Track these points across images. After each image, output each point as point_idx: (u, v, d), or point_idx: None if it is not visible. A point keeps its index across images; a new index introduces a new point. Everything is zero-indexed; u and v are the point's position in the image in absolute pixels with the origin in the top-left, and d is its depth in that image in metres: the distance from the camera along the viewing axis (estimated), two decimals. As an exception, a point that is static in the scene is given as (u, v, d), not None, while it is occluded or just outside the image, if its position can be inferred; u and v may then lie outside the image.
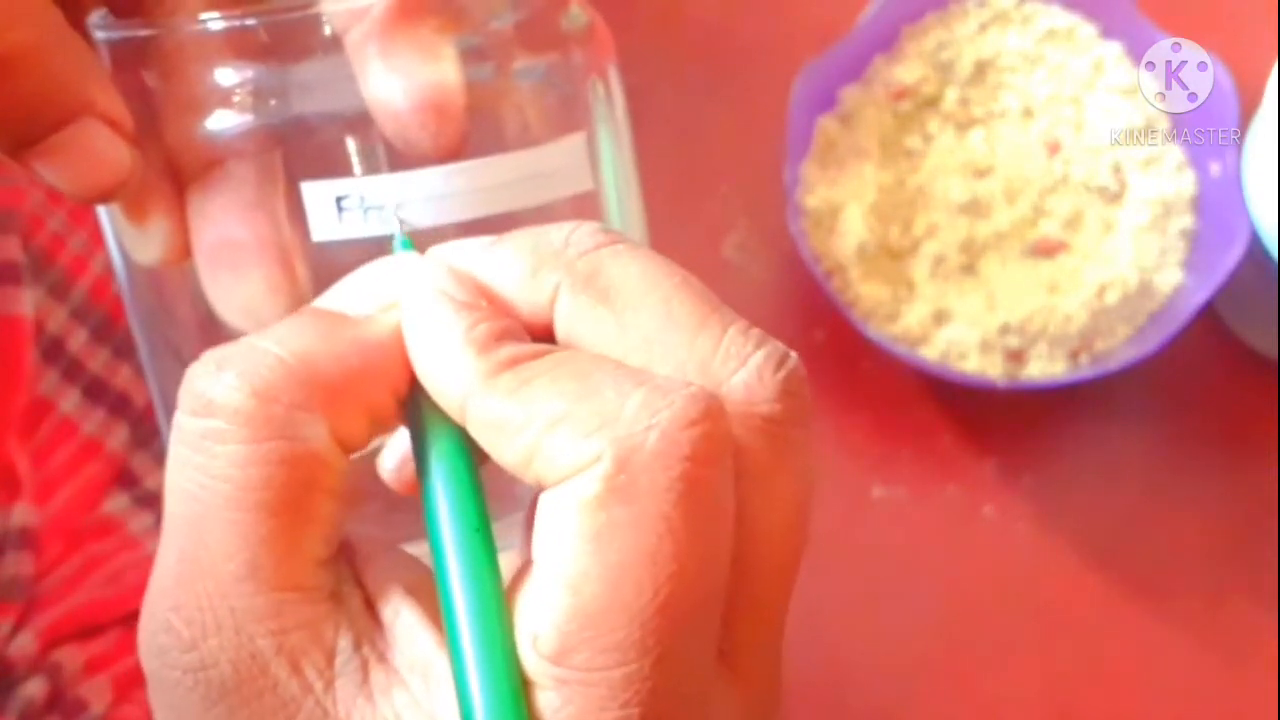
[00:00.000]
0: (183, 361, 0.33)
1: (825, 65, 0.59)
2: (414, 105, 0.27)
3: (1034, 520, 0.59)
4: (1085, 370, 0.57)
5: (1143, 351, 0.56)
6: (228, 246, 0.29)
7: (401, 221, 0.28)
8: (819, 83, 0.59)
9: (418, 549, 0.28)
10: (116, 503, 0.46)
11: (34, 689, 0.42)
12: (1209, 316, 0.60)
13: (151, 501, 0.47)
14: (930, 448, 0.60)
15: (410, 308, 0.25)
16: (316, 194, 0.28)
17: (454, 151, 0.28)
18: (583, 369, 0.23)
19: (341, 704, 0.24)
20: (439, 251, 0.26)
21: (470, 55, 0.29)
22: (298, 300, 0.29)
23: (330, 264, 0.28)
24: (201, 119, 0.29)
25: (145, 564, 0.46)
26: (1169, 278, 0.58)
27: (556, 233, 0.25)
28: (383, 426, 0.26)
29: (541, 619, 0.23)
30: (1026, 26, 0.61)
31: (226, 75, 0.29)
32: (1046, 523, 0.59)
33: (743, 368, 0.24)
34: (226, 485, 0.24)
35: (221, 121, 0.29)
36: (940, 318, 0.57)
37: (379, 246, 0.28)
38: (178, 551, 0.24)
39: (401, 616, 0.25)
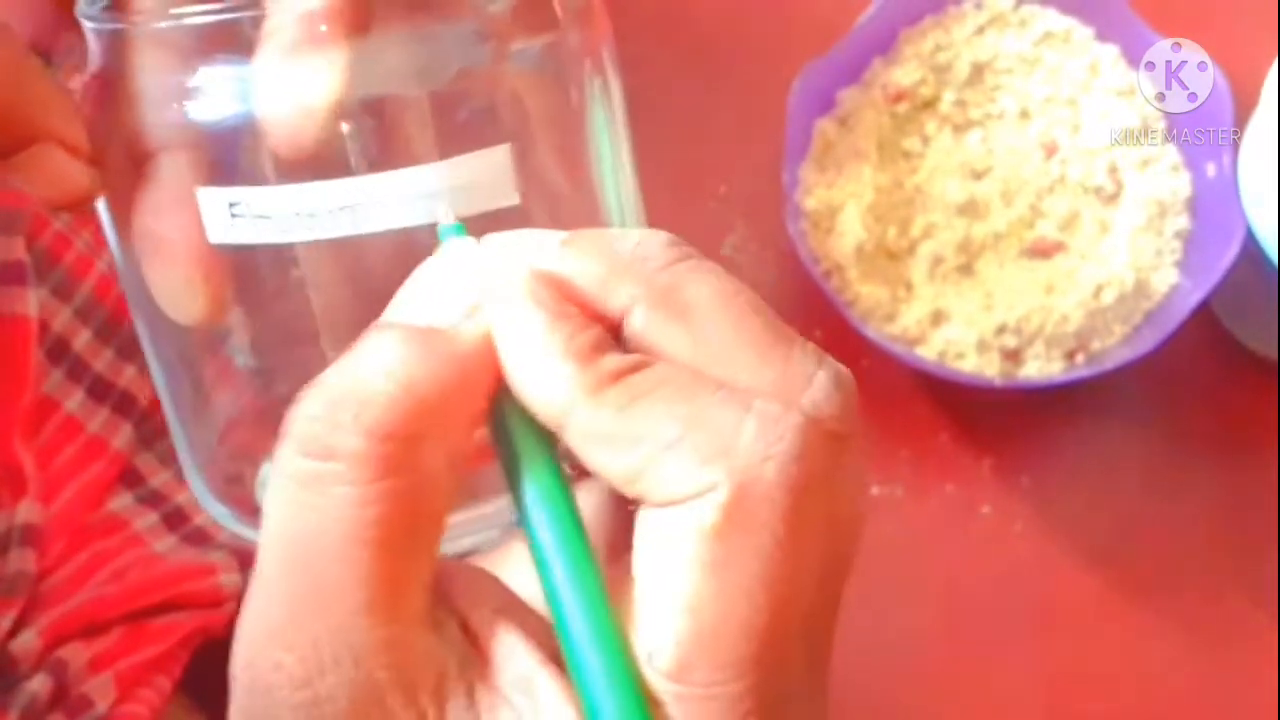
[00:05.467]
0: (186, 359, 0.33)
1: (824, 67, 0.59)
2: (280, 107, 0.27)
3: (1031, 519, 0.60)
4: (1082, 370, 0.57)
5: (1139, 351, 0.56)
6: (153, 238, 0.30)
7: (446, 208, 0.28)
8: (817, 85, 0.59)
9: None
10: (121, 501, 0.47)
11: (38, 686, 0.42)
12: (1205, 316, 0.60)
13: (155, 500, 0.47)
14: (928, 447, 0.60)
15: (503, 317, 0.25)
16: (211, 200, 0.28)
17: (312, 159, 0.28)
18: (689, 388, 0.24)
19: None
20: (502, 243, 0.26)
21: (468, 40, 0.29)
22: (216, 297, 0.30)
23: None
24: (142, 112, 0.30)
25: (149, 562, 0.46)
26: (1165, 278, 0.58)
27: (626, 241, 0.26)
28: (479, 428, 0.26)
29: (659, 639, 0.24)
30: (1023, 29, 0.61)
31: (171, 72, 0.29)
32: (1044, 522, 0.60)
33: (810, 387, 0.25)
34: (345, 525, 0.24)
35: (159, 116, 0.29)
36: (938, 318, 0.58)
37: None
38: (287, 590, 0.24)
39: (499, 637, 0.25)
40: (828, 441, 0.25)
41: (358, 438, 0.24)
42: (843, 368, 0.26)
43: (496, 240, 0.26)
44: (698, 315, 0.25)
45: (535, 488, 0.25)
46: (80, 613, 0.44)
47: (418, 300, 0.26)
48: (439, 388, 0.24)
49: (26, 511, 0.42)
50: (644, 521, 0.24)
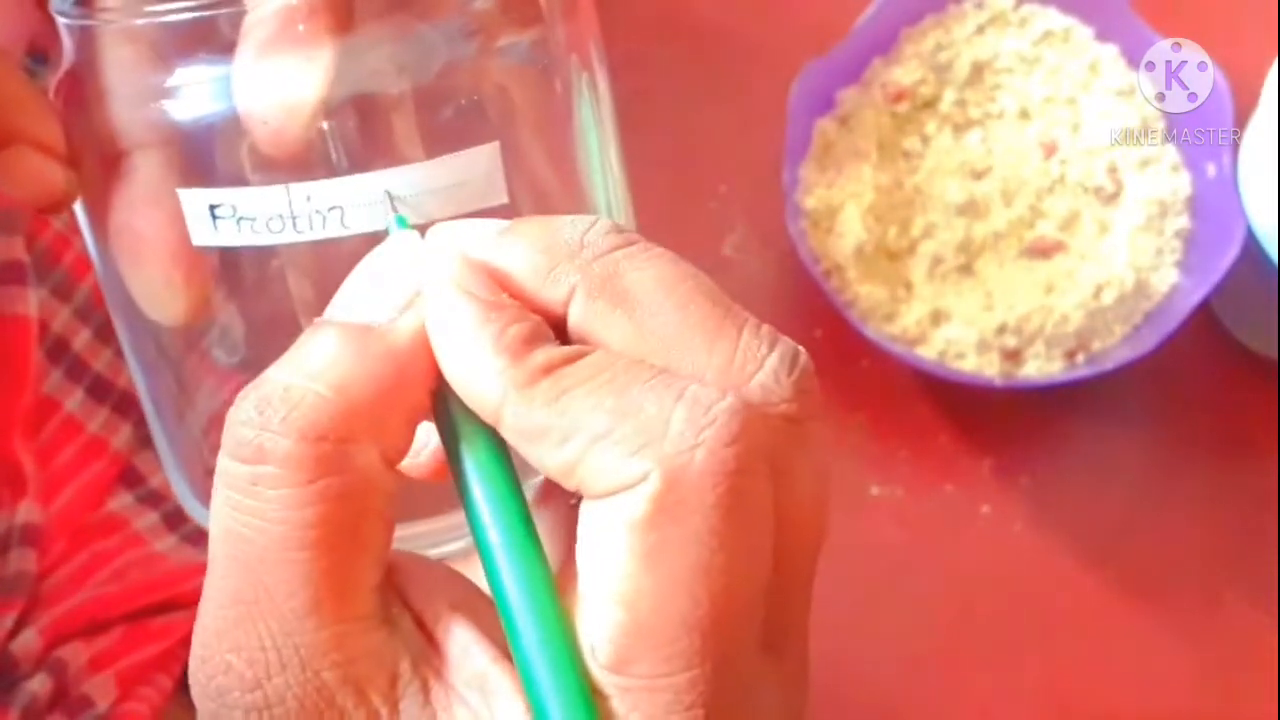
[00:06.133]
0: (166, 356, 0.33)
1: (824, 67, 0.59)
2: (263, 106, 0.27)
3: (1031, 520, 0.60)
4: (1082, 370, 0.57)
5: (1139, 351, 0.56)
6: (131, 237, 0.29)
7: (393, 201, 0.27)
8: (818, 84, 0.59)
9: (408, 529, 0.28)
10: (120, 501, 0.47)
11: (38, 685, 0.42)
12: (1205, 316, 0.60)
13: (155, 500, 0.47)
14: (928, 447, 0.60)
15: (435, 311, 0.25)
16: (192, 201, 0.28)
17: (294, 158, 0.28)
18: (620, 379, 0.24)
19: None
20: (443, 233, 0.26)
21: (453, 35, 0.29)
22: (196, 297, 0.29)
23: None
24: (117, 110, 0.29)
25: (149, 562, 0.46)
26: (1165, 278, 0.58)
27: (570, 229, 0.25)
28: (420, 422, 0.26)
29: (597, 633, 0.23)
30: (1023, 29, 0.61)
31: (147, 70, 0.29)
32: (1043, 522, 0.60)
33: (759, 371, 0.24)
34: (282, 527, 0.24)
35: (135, 114, 0.29)
36: (938, 318, 0.58)
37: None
38: (232, 593, 0.24)
39: (454, 634, 0.25)
40: (776, 424, 0.24)
41: (289, 440, 0.24)
42: (800, 349, 0.25)
43: (438, 231, 0.26)
44: (640, 302, 0.24)
45: (478, 481, 0.25)
46: (80, 612, 0.44)
47: (359, 295, 0.26)
48: (372, 386, 0.24)
49: (26, 511, 0.42)
50: (584, 514, 0.24)
